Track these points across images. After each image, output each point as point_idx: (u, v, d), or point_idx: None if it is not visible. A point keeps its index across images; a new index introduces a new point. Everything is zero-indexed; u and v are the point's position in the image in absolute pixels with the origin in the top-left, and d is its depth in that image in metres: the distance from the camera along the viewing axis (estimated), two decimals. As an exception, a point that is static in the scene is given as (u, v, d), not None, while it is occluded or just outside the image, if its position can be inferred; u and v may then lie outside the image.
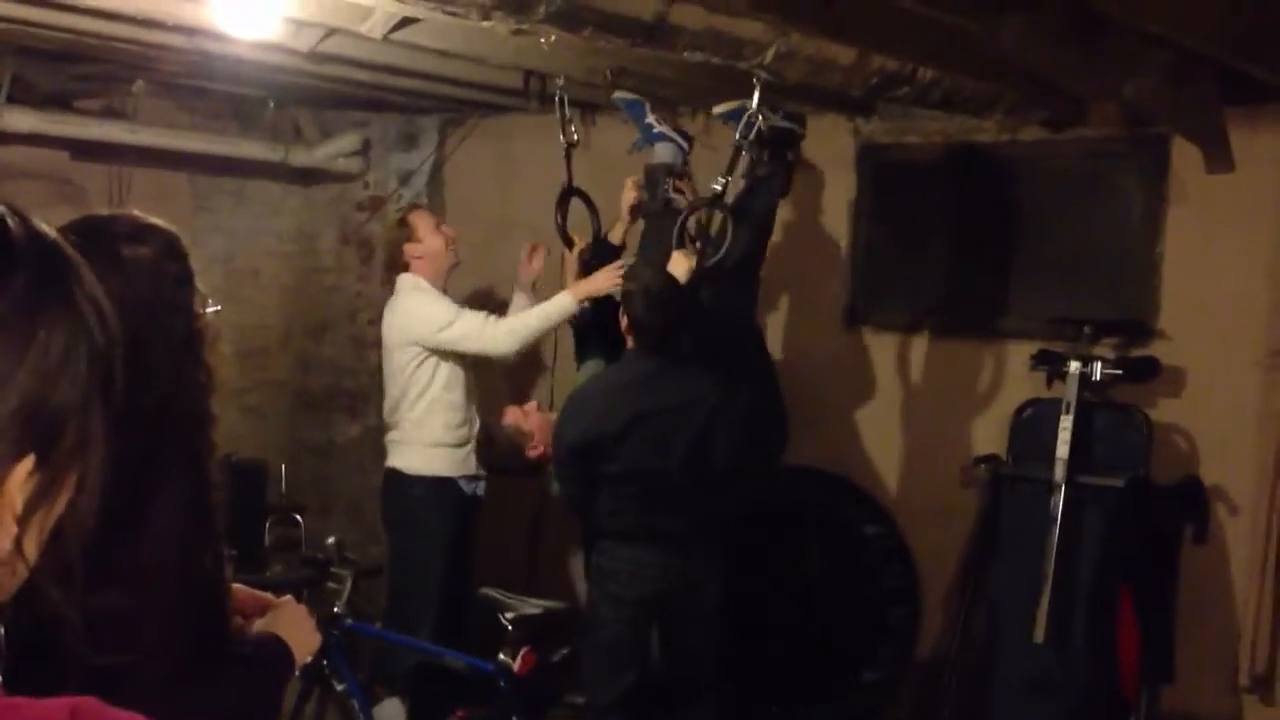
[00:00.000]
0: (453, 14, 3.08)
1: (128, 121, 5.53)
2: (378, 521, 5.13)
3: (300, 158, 6.20)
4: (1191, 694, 4.54)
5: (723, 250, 4.12)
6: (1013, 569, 4.60)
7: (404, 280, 4.75)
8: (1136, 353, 4.66)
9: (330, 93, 5.69)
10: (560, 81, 4.50)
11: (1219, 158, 4.18)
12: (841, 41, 3.59)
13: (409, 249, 4.73)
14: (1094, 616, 4.42)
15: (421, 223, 4.80)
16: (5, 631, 0.87)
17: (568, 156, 4.64)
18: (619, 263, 4.46)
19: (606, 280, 4.40)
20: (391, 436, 4.84)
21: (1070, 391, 4.46)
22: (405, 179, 6.37)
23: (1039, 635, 4.34)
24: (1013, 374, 4.94)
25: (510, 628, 4.14)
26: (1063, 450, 4.41)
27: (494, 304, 5.17)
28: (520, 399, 4.84)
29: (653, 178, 4.60)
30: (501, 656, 4.11)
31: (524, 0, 2.97)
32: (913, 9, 3.11)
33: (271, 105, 6.10)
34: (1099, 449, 4.53)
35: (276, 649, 1.94)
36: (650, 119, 4.60)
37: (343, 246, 6.58)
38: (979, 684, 4.71)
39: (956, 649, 4.83)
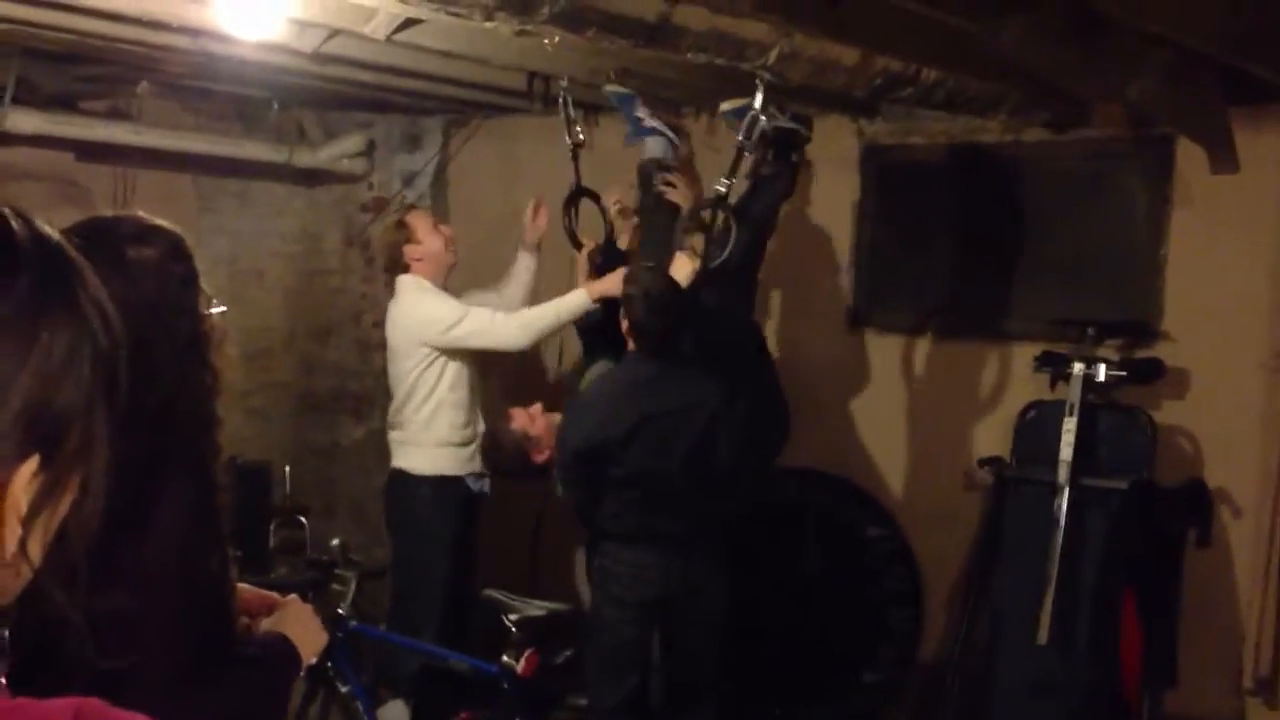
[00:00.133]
0: (456, 15, 3.08)
1: (132, 123, 5.54)
2: (382, 523, 5.13)
3: (304, 159, 6.20)
4: (1195, 697, 4.54)
5: (726, 252, 4.12)
6: (1016, 571, 4.59)
7: (406, 282, 4.74)
8: (1140, 354, 4.65)
9: (334, 94, 5.69)
10: (564, 82, 4.50)
11: (1223, 158, 4.17)
12: (845, 42, 3.59)
13: (409, 250, 4.72)
14: (1097, 619, 4.42)
15: (420, 223, 4.79)
16: (9, 633, 0.87)
17: (574, 157, 4.64)
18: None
19: (621, 281, 4.39)
20: (397, 437, 4.84)
21: (1074, 393, 4.45)
22: (409, 180, 6.38)
23: (1042, 637, 4.33)
24: (1016, 376, 4.94)
25: (514, 630, 4.14)
26: (1066, 452, 4.41)
27: (497, 307, 5.16)
28: (524, 400, 4.83)
29: (644, 173, 4.59)
30: (505, 658, 4.11)
31: (527, 1, 2.97)
32: (916, 10, 3.12)
33: (276, 106, 6.10)
34: (1103, 451, 4.52)
35: (283, 649, 1.94)
36: (641, 113, 4.59)
37: (347, 248, 6.58)
38: (981, 686, 4.70)
39: (959, 651, 4.83)
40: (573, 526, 4.57)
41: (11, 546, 0.83)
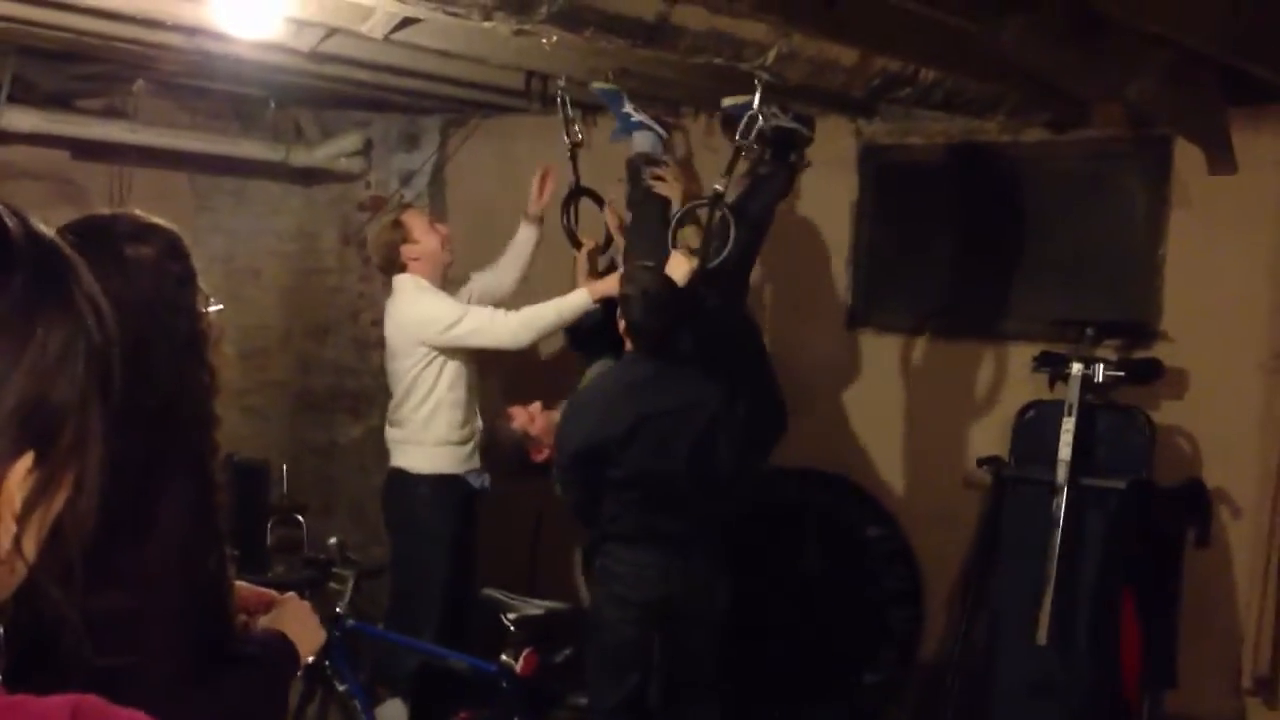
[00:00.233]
0: (454, 14, 3.08)
1: (129, 121, 5.53)
2: (380, 522, 5.13)
3: (301, 158, 6.20)
4: (1194, 697, 4.54)
5: (725, 252, 4.11)
6: (1015, 571, 4.59)
7: (403, 281, 4.73)
8: (1139, 355, 4.65)
9: (331, 93, 5.69)
10: (562, 82, 4.50)
11: (1222, 159, 4.17)
12: (843, 42, 3.59)
13: (406, 250, 4.71)
14: (1096, 619, 4.42)
15: (416, 223, 4.78)
16: (6, 631, 0.87)
17: (573, 157, 4.64)
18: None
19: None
20: (396, 436, 4.83)
21: (1072, 393, 4.45)
22: (407, 179, 6.37)
23: (1041, 637, 4.33)
24: (1015, 376, 4.94)
25: (513, 629, 4.14)
26: (1065, 452, 4.41)
27: (495, 305, 5.16)
28: (523, 398, 4.82)
29: (633, 167, 4.59)
30: (504, 657, 4.11)
31: (525, 1, 2.96)
32: (914, 10, 3.11)
33: (272, 105, 6.10)
34: (1101, 451, 4.52)
35: (281, 647, 1.93)
36: (628, 108, 4.58)
37: (344, 247, 6.57)
38: (981, 686, 4.70)
39: (959, 651, 4.82)
40: (572, 526, 4.57)
41: (6, 543, 0.83)
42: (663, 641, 4.09)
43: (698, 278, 4.12)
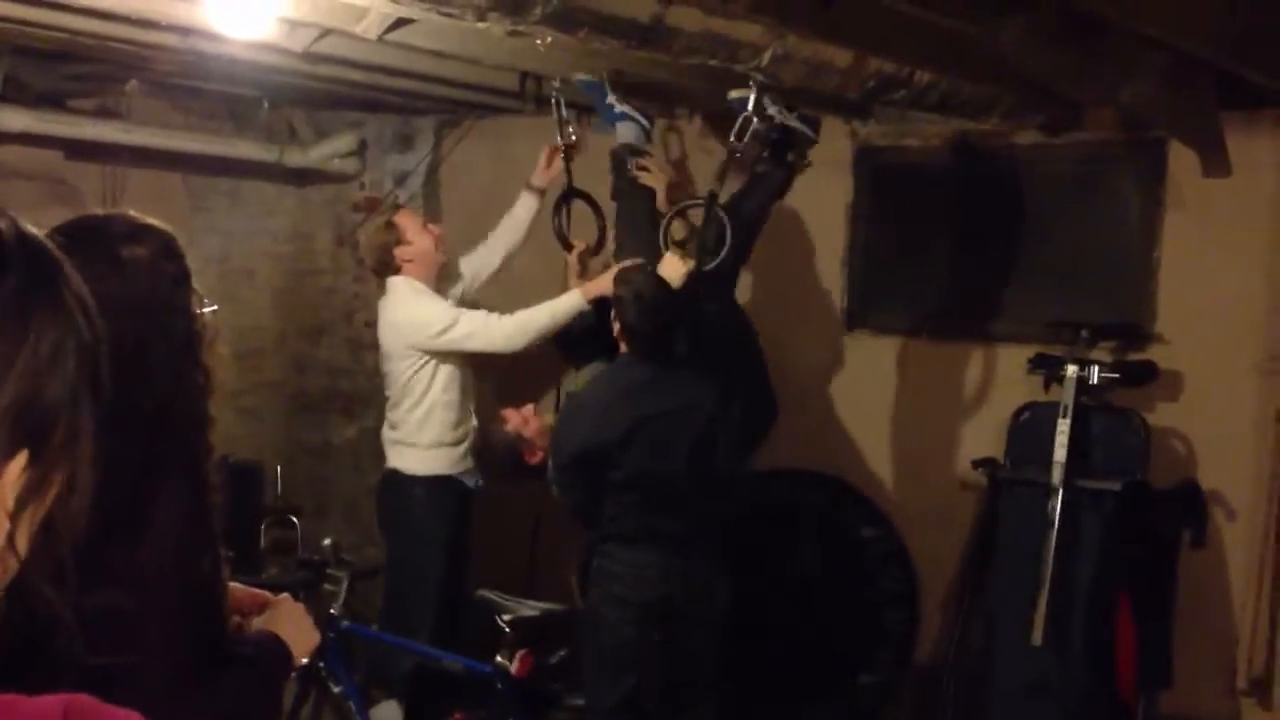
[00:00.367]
0: (448, 15, 3.07)
1: (122, 121, 5.51)
2: (374, 523, 5.12)
3: (295, 158, 6.18)
4: (1190, 698, 4.54)
5: (722, 254, 4.11)
6: (1011, 573, 4.59)
7: (397, 284, 4.71)
8: (1134, 356, 4.66)
9: (325, 93, 5.68)
10: (556, 83, 4.49)
11: (1216, 162, 4.18)
12: (838, 44, 3.59)
13: (399, 252, 4.69)
14: (1092, 620, 4.42)
15: (409, 224, 4.76)
16: (-1, 629, 0.87)
17: (566, 158, 4.63)
18: (629, 262, 4.43)
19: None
20: (391, 437, 4.82)
21: (1067, 395, 4.45)
22: (401, 180, 6.36)
23: (1037, 638, 4.33)
24: (1010, 377, 4.94)
25: (508, 630, 4.13)
26: (1060, 454, 4.41)
27: (489, 306, 5.15)
28: (516, 401, 4.82)
29: (617, 158, 4.59)
30: (499, 658, 4.11)
31: (519, 1, 2.96)
32: (910, 12, 3.11)
33: (266, 105, 6.08)
34: (1096, 453, 4.53)
35: (275, 648, 1.93)
36: (610, 99, 4.57)
37: (338, 248, 6.56)
38: (977, 687, 4.70)
39: (955, 652, 4.83)
40: (570, 527, 4.56)
41: (0, 541, 0.83)
42: (662, 642, 4.08)
43: (693, 280, 4.11)
